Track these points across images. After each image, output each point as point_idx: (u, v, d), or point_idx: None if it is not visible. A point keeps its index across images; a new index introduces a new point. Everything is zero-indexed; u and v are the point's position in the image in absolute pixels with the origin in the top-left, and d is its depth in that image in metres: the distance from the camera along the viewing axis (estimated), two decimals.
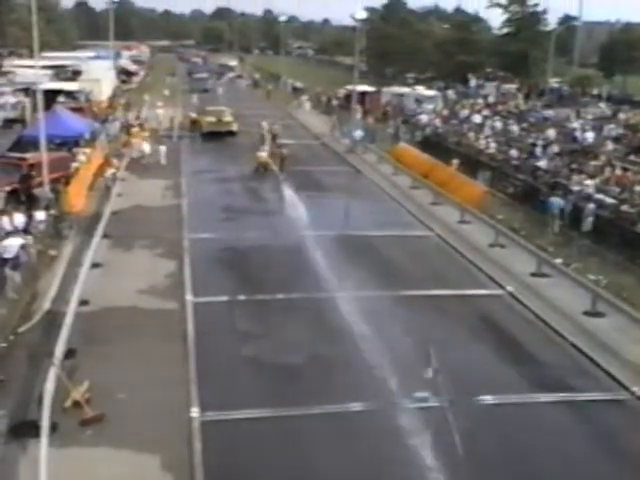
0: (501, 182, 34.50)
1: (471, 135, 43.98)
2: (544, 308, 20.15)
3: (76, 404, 14.07)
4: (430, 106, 58.70)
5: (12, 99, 47.60)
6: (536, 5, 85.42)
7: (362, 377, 16.10)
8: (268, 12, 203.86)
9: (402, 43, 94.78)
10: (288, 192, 33.79)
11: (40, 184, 28.43)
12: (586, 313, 19.71)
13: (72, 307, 17.83)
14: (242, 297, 20.40)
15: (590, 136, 43.49)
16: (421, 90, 66.64)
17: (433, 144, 45.04)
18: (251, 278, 22.11)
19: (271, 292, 20.76)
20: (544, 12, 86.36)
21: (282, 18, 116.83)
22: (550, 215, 27.76)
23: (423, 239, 27.34)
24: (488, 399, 15.20)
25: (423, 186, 34.87)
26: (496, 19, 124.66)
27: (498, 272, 23.07)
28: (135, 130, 44.52)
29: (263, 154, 38.51)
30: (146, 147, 39.96)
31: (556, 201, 28.05)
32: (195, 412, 14.24)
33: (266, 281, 21.85)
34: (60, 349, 15.48)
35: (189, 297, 20.15)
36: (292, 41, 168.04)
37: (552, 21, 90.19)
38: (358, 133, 45.57)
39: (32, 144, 30.71)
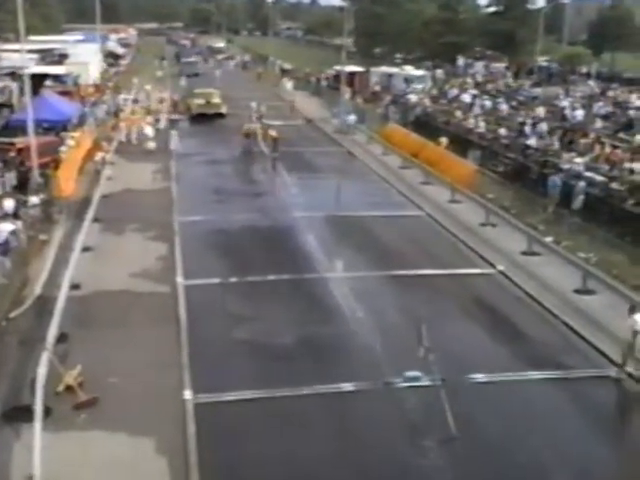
0: (491, 161, 34.49)
1: (458, 114, 43.86)
2: (535, 286, 20.22)
3: (69, 388, 14.09)
4: (419, 86, 58.57)
5: None
6: None
7: (354, 357, 16.16)
8: None
9: (390, 23, 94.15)
10: (278, 173, 33.70)
11: (30, 169, 28.31)
12: (577, 291, 19.79)
13: (63, 291, 17.82)
14: (233, 279, 20.38)
15: (579, 114, 43.42)
16: (410, 70, 66.43)
17: (423, 124, 44.94)
18: (242, 260, 22.07)
19: (262, 274, 20.75)
20: None
21: None
22: (550, 197, 27.50)
23: (414, 219, 27.34)
24: (480, 377, 15.28)
25: (413, 166, 34.86)
26: None
27: (489, 251, 23.13)
28: (124, 114, 44.22)
29: (250, 125, 39.13)
30: (149, 131, 39.69)
31: (554, 180, 27.74)
32: (188, 395, 14.27)
33: (257, 263, 21.85)
34: (52, 334, 15.47)
35: (180, 280, 20.12)
36: (280, 22, 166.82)
37: None
38: (351, 118, 45.43)
39: (20, 129, 30.60)
